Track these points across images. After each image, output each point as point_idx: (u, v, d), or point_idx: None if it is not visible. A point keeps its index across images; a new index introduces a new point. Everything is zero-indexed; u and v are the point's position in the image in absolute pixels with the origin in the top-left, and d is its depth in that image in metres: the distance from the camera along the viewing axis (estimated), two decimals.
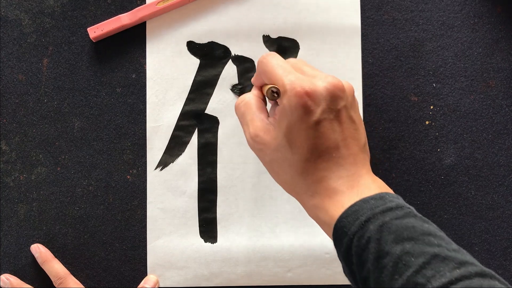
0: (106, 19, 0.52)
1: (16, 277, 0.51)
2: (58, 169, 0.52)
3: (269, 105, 0.43)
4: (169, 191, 0.52)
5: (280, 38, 0.52)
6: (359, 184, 0.37)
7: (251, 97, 0.43)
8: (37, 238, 0.52)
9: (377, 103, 0.52)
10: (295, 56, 0.52)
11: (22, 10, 0.52)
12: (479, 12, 0.52)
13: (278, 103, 0.39)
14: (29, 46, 0.52)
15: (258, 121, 0.41)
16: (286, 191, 0.41)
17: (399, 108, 0.52)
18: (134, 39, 0.52)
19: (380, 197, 0.36)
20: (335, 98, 0.38)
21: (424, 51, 0.52)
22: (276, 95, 0.39)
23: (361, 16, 0.52)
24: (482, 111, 0.52)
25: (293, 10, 0.52)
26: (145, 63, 0.52)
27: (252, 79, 0.44)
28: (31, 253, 0.51)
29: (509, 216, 0.52)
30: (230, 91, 0.52)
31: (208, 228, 0.52)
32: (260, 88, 0.44)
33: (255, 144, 0.41)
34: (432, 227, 0.35)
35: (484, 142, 0.52)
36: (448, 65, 0.52)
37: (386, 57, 0.52)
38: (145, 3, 0.52)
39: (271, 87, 0.39)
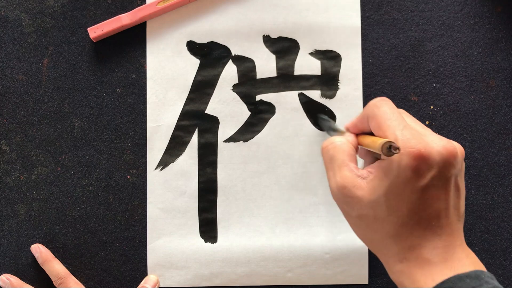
0: (106, 19, 0.52)
1: (16, 277, 0.51)
2: (58, 169, 0.52)
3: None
4: (169, 191, 0.52)
5: (280, 38, 0.52)
6: (453, 258, 0.35)
7: (343, 141, 0.39)
8: (37, 238, 0.52)
9: None
10: (295, 56, 0.52)
11: (22, 10, 0.52)
12: (479, 12, 0.52)
13: (382, 157, 0.36)
14: (29, 46, 0.52)
15: (348, 171, 0.37)
16: (370, 249, 0.39)
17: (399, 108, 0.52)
18: (134, 39, 0.52)
19: (476, 275, 0.34)
20: (448, 165, 0.35)
21: (424, 51, 0.52)
22: (394, 151, 0.34)
23: (361, 16, 0.52)
24: (482, 111, 0.52)
25: (293, 10, 0.52)
26: (145, 63, 0.52)
27: (349, 125, 0.41)
28: (31, 253, 0.51)
29: (509, 216, 0.52)
30: (230, 91, 0.52)
31: (208, 228, 0.52)
32: (356, 135, 0.40)
33: (341, 196, 0.37)
34: None
35: (484, 142, 0.52)
36: (448, 65, 0.52)
37: (386, 57, 0.52)
38: (145, 3, 0.52)
39: (389, 142, 0.34)
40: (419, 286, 0.34)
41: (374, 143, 0.36)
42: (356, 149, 0.40)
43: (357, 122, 0.40)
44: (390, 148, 0.34)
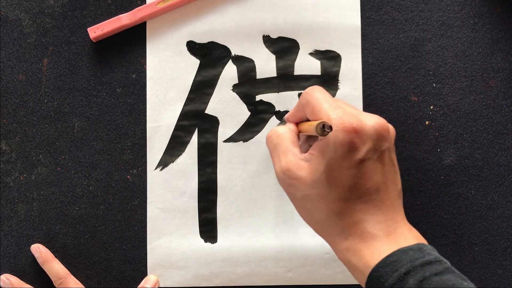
0: (106, 19, 0.52)
1: (16, 277, 0.51)
2: (58, 169, 0.52)
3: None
4: (169, 191, 0.52)
5: (280, 38, 0.52)
6: (396, 232, 0.36)
7: (285, 130, 0.41)
8: (37, 238, 0.52)
9: (377, 103, 0.52)
10: (295, 56, 0.52)
11: (22, 10, 0.52)
12: (479, 12, 0.52)
13: (319, 138, 0.38)
14: (29, 46, 0.52)
15: (291, 155, 0.39)
16: (315, 231, 0.40)
17: (399, 108, 0.52)
18: (134, 39, 0.52)
19: (418, 248, 0.35)
20: (381, 138, 0.37)
21: (424, 51, 0.52)
22: (327, 130, 0.36)
23: (361, 16, 0.52)
24: (482, 111, 0.52)
25: (293, 10, 0.52)
26: (145, 63, 0.52)
27: (288, 115, 0.43)
28: (31, 253, 0.51)
29: (509, 216, 0.52)
30: (230, 91, 0.52)
31: (208, 228, 0.52)
32: (296, 124, 0.42)
33: (286, 178, 0.39)
34: (471, 285, 0.34)
35: (484, 142, 0.52)
36: (448, 65, 0.52)
37: (386, 57, 0.52)
38: (145, 3, 0.52)
39: (322, 122, 0.36)
40: (365, 261, 0.35)
41: (311, 126, 0.38)
42: (298, 137, 0.42)
43: (295, 112, 0.42)
44: (324, 128, 0.36)
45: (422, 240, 0.37)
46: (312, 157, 0.38)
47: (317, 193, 0.37)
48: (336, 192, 0.36)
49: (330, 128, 0.36)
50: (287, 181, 0.39)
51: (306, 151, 0.40)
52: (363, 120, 0.37)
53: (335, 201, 0.37)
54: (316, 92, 0.40)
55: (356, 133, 0.36)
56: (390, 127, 0.39)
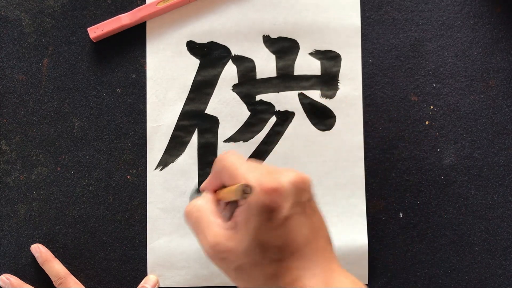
0: (106, 19, 0.52)
1: (16, 277, 0.51)
2: (58, 169, 0.52)
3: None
4: (169, 191, 0.52)
5: (280, 38, 0.52)
6: (334, 281, 0.36)
7: (203, 201, 0.40)
8: (37, 238, 0.52)
9: (377, 103, 0.52)
10: (295, 56, 0.52)
11: (22, 10, 0.52)
12: (479, 12, 0.52)
13: (239, 203, 0.37)
14: (29, 46, 0.52)
15: (216, 227, 0.38)
16: None
17: (399, 108, 0.52)
18: (134, 39, 0.52)
19: None
20: (301, 191, 0.36)
21: (424, 51, 0.52)
22: (247, 193, 0.35)
23: (361, 16, 0.52)
24: (482, 111, 0.52)
25: (293, 10, 0.52)
26: (145, 63, 0.52)
27: (204, 184, 0.42)
28: (31, 253, 0.51)
29: (509, 216, 0.52)
30: (230, 91, 0.52)
31: None
32: (214, 192, 0.41)
33: (217, 253, 0.37)
34: None
35: (484, 142, 0.52)
36: (448, 65, 0.52)
37: (386, 57, 0.52)
38: (145, 3, 0.52)
39: (242, 185, 0.35)
40: None
41: (230, 191, 0.37)
42: (218, 206, 0.41)
43: (211, 180, 0.41)
44: (245, 190, 0.35)
45: (359, 284, 0.37)
46: (237, 225, 0.37)
47: (251, 261, 0.36)
48: (268, 256, 0.36)
49: (250, 189, 0.35)
50: (218, 256, 0.37)
51: (229, 219, 0.39)
52: (280, 178, 0.36)
53: (269, 264, 0.36)
54: (231, 157, 0.39)
55: (276, 192, 0.35)
56: (305, 177, 0.38)
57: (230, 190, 0.37)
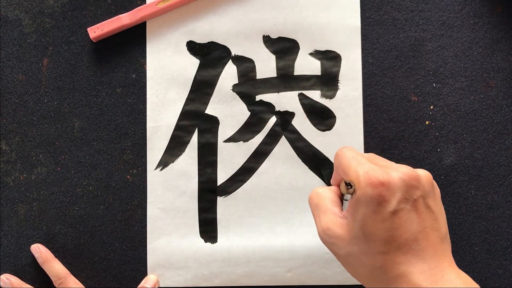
0: (106, 19, 0.52)
1: (16, 277, 0.51)
2: (58, 169, 0.52)
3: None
4: (169, 191, 0.52)
5: (280, 38, 0.52)
6: (443, 280, 0.36)
7: (325, 189, 0.42)
8: (37, 238, 0.52)
9: (377, 103, 0.52)
10: (295, 56, 0.52)
11: (22, 10, 0.52)
12: (479, 12, 0.52)
13: (352, 196, 0.39)
14: (29, 46, 0.52)
15: (331, 214, 0.40)
16: (365, 286, 0.40)
17: (399, 108, 0.52)
18: (134, 39, 0.52)
19: None
20: (410, 188, 0.37)
21: (424, 51, 0.52)
22: (349, 187, 0.38)
23: (361, 16, 0.52)
24: (482, 111, 0.52)
25: (293, 10, 0.52)
26: (145, 63, 0.52)
27: (331, 179, 0.45)
28: (31, 253, 0.51)
29: (509, 216, 0.52)
30: (230, 91, 0.52)
31: (208, 228, 0.52)
32: (338, 186, 0.43)
33: (327, 237, 0.40)
34: None
35: (484, 142, 0.52)
36: (448, 65, 0.52)
37: (386, 57, 0.52)
38: (145, 3, 0.52)
39: (344, 181, 0.38)
40: None
41: (341, 186, 0.41)
42: (340, 198, 0.43)
43: (334, 175, 0.44)
44: (347, 186, 0.38)
45: (472, 284, 0.37)
46: (348, 215, 0.39)
47: (358, 249, 0.38)
48: (374, 247, 0.37)
49: (349, 184, 0.38)
50: (328, 240, 0.40)
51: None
52: (390, 173, 0.37)
53: (375, 255, 0.37)
54: (345, 153, 0.41)
55: (383, 186, 0.37)
56: (423, 174, 0.39)
57: (341, 184, 0.40)
